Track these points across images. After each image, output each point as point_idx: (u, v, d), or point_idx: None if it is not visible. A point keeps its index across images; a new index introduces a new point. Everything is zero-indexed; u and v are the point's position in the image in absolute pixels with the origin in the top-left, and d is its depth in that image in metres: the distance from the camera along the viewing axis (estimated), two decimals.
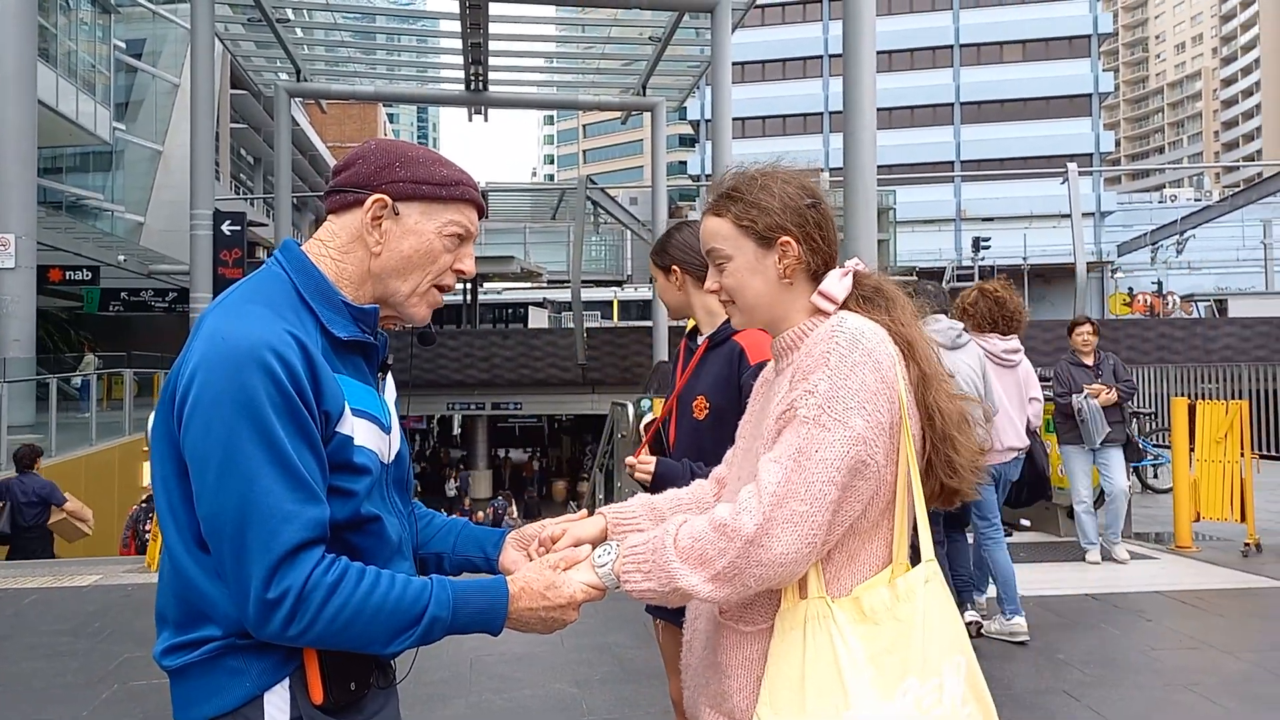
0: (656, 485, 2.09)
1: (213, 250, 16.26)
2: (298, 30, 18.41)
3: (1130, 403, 6.55)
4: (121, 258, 21.82)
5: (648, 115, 22.34)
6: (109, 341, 21.36)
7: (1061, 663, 4.21)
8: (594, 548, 1.41)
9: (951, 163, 49.32)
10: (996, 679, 3.95)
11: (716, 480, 1.61)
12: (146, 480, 12.16)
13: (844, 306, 1.38)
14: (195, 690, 1.22)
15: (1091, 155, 48.18)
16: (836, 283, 1.38)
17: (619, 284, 33.04)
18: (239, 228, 17.48)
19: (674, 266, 2.38)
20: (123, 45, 25.66)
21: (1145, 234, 32.48)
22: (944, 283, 29.79)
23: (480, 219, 1.41)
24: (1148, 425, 10.96)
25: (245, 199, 31.99)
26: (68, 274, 19.92)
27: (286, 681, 1.22)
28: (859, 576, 1.29)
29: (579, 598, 1.30)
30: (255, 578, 1.14)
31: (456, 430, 34.72)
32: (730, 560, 1.21)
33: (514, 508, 24.58)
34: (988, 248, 33.49)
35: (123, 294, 22.85)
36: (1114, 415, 6.23)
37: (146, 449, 11.11)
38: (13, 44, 13.00)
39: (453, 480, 27.98)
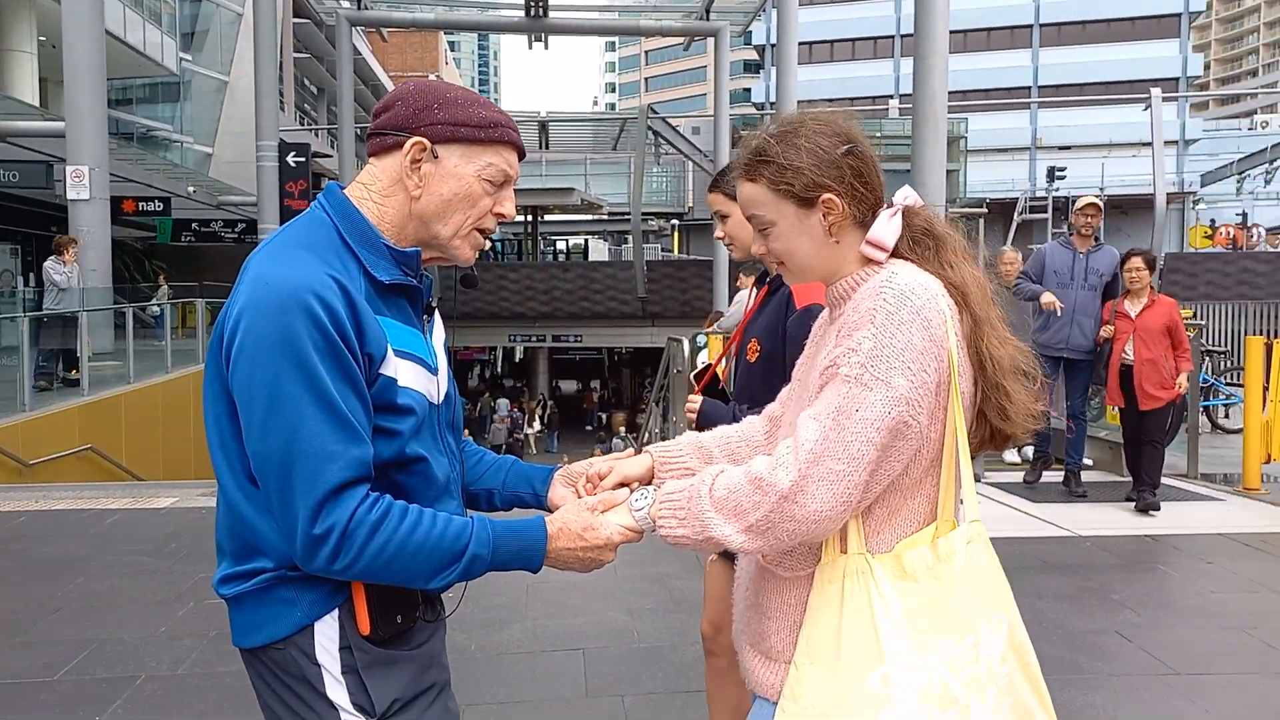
0: (701, 425, 2.09)
1: (279, 182, 16.52)
2: None
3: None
4: (191, 189, 22.28)
5: (711, 41, 21.73)
6: (182, 271, 21.96)
7: (1116, 603, 4.17)
8: (639, 486, 1.43)
9: (1028, 88, 47.13)
10: (1050, 618, 3.93)
11: (769, 418, 1.59)
12: None
13: (895, 250, 1.34)
14: (250, 618, 1.29)
15: (1178, 79, 45.58)
16: (885, 226, 1.33)
17: (679, 216, 32.62)
18: (304, 159, 17.70)
19: None
20: None
21: (1231, 163, 30.80)
22: (1016, 214, 28.83)
23: (520, 161, 1.40)
24: (1221, 364, 10.58)
25: (310, 129, 32.27)
26: (140, 205, 20.42)
27: (336, 613, 1.27)
28: (899, 533, 1.29)
29: (615, 539, 1.33)
30: (301, 514, 1.18)
31: (518, 359, 35.20)
32: (764, 514, 1.22)
33: (536, 422, 26.36)
34: (1063, 178, 32.07)
35: (194, 224, 23.41)
36: None
37: None
38: None
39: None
